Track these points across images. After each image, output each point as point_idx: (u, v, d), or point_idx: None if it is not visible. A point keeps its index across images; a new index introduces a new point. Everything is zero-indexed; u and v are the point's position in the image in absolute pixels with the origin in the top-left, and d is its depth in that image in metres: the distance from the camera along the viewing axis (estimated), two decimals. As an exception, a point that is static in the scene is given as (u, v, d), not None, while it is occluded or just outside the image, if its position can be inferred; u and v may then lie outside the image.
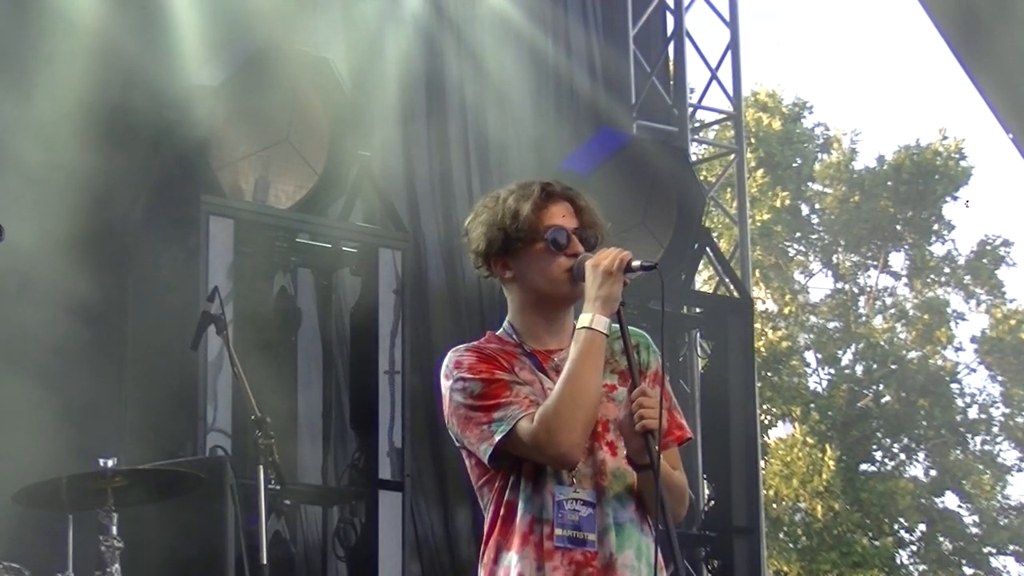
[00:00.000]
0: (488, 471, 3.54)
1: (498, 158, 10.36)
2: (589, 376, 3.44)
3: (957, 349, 25.29)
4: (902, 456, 25.10)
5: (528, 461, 3.50)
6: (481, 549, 3.58)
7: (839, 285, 25.90)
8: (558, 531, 3.47)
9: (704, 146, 14.97)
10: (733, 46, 11.75)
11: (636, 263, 3.49)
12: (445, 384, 3.57)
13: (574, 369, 3.43)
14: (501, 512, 3.54)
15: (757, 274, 23.59)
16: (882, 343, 24.76)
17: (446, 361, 3.59)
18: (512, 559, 3.50)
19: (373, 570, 8.28)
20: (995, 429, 25.19)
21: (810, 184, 25.62)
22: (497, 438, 3.46)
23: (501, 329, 3.66)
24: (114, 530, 5.77)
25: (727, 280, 11.10)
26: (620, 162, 10.14)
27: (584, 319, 3.47)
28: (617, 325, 3.51)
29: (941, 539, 24.56)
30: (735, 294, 11.00)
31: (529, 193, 3.60)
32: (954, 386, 24.96)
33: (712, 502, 10.55)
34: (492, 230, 3.60)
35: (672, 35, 11.73)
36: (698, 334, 11.01)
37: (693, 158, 12.46)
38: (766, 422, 23.37)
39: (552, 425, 3.41)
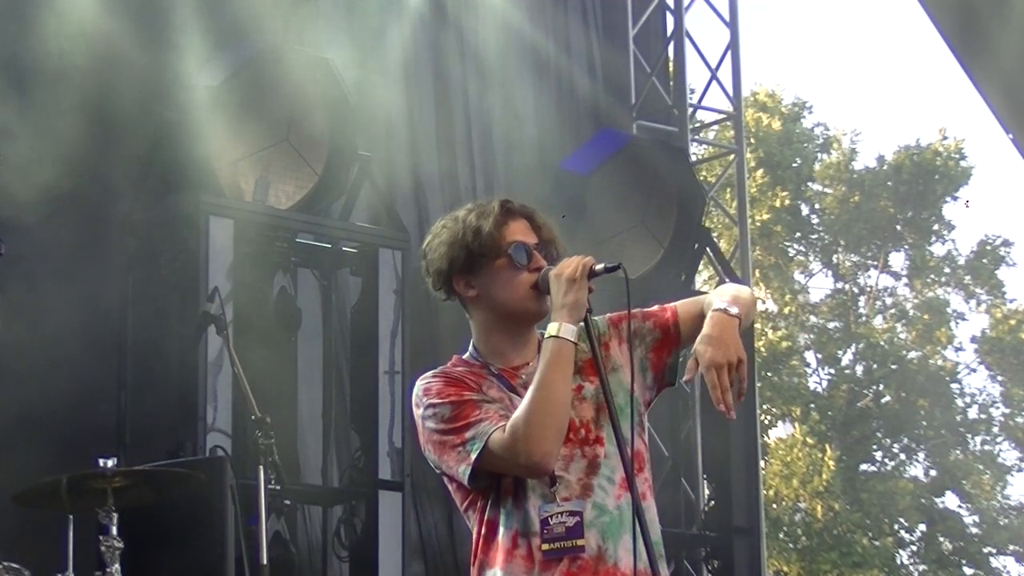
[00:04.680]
0: (470, 493, 3.55)
1: (502, 158, 10.36)
2: (559, 385, 3.44)
3: (957, 349, 25.31)
4: (902, 456, 25.10)
5: (506, 476, 3.49)
6: (469, 569, 3.58)
7: (839, 285, 25.90)
8: (545, 546, 3.46)
9: (704, 146, 14.96)
10: (733, 46, 11.75)
11: (599, 267, 3.50)
12: (417, 413, 3.57)
13: (543, 378, 3.43)
14: (483, 531, 3.54)
15: (757, 274, 23.58)
16: (882, 343, 24.76)
17: (415, 390, 3.59)
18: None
19: (373, 570, 8.28)
20: (995, 429, 25.19)
21: (810, 184, 25.62)
22: (473, 456, 3.45)
23: (467, 353, 3.66)
24: (114, 530, 5.77)
25: (727, 280, 11.10)
26: (620, 162, 10.14)
27: (552, 328, 3.47)
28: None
29: (941, 539, 24.56)
30: (735, 294, 10.98)
31: (489, 211, 3.60)
32: (954, 386, 24.96)
33: (712, 502, 10.55)
34: (454, 248, 3.59)
35: (672, 35, 11.73)
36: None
37: (693, 158, 12.46)
38: (766, 422, 23.38)
39: (523, 435, 3.40)
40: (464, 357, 3.65)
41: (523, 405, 3.43)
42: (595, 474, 3.51)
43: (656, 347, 3.63)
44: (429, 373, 3.60)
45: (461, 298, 3.64)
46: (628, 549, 3.47)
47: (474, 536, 3.57)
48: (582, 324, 3.50)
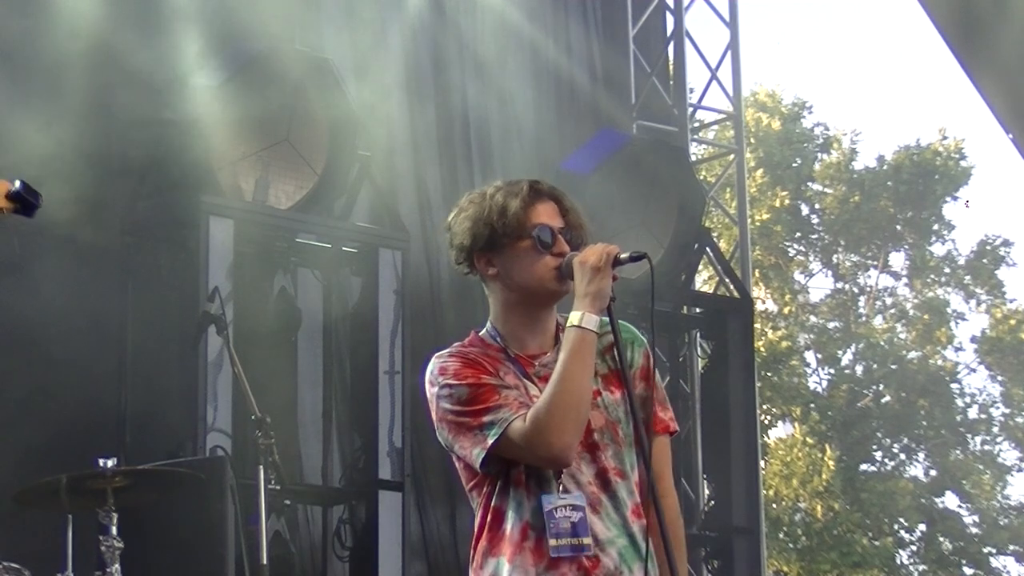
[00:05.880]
0: (477, 475, 3.52)
1: (501, 158, 10.36)
2: (580, 376, 3.41)
3: (957, 349, 25.31)
4: (902, 456, 25.10)
5: (517, 466, 3.47)
6: (470, 554, 3.56)
7: (839, 285, 25.90)
8: (553, 541, 3.43)
9: (704, 146, 14.97)
10: (733, 46, 11.75)
11: (624, 255, 3.47)
12: (431, 391, 3.54)
13: (565, 369, 3.40)
14: (488, 518, 3.51)
15: (757, 274, 23.58)
16: (882, 343, 24.76)
17: (430, 367, 3.55)
18: (503, 568, 3.47)
19: (373, 570, 8.29)
20: (995, 429, 25.19)
21: (810, 184, 25.62)
22: (490, 442, 3.42)
23: (484, 331, 3.62)
24: (114, 530, 5.77)
25: (727, 280, 11.11)
26: (620, 162, 10.14)
27: (574, 317, 3.43)
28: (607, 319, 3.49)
29: (941, 539, 24.56)
30: (735, 294, 11.00)
31: (517, 190, 3.57)
32: (954, 386, 24.96)
33: (712, 502, 10.55)
34: (478, 225, 3.56)
35: (672, 35, 11.73)
36: (698, 334, 11.01)
37: (693, 158, 12.46)
38: (766, 422, 23.36)
39: (544, 426, 3.37)
40: (481, 334, 3.61)
41: (545, 395, 3.40)
42: (606, 489, 3.49)
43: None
44: (445, 352, 3.56)
45: (482, 275, 3.60)
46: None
47: (478, 521, 3.54)
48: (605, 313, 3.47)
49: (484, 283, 3.62)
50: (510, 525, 3.48)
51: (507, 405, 3.44)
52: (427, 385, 3.55)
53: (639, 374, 3.61)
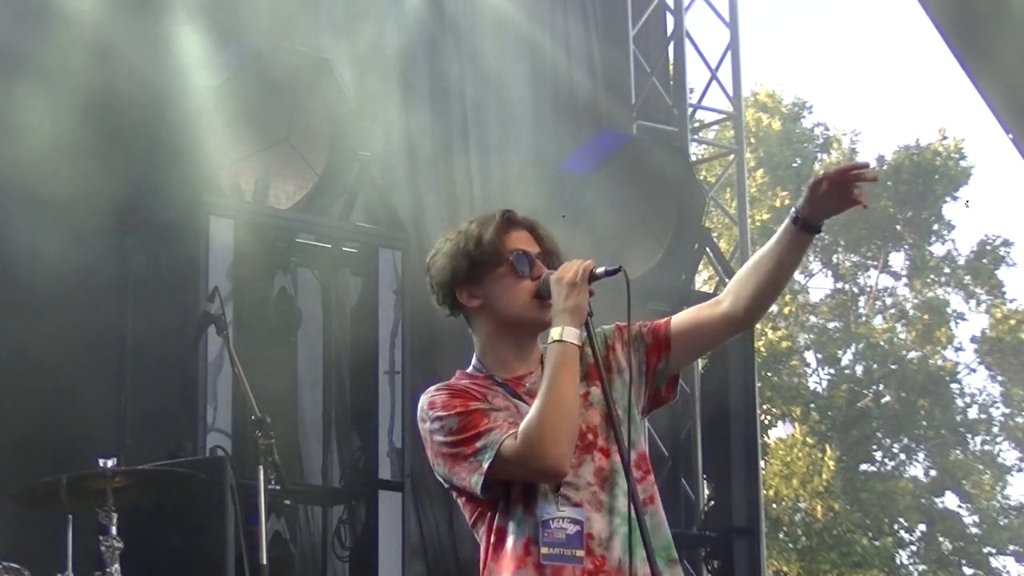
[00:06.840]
0: (480, 505, 3.53)
1: (499, 159, 10.36)
2: (567, 388, 3.43)
3: (957, 349, 25.32)
4: (902, 456, 25.11)
5: (517, 485, 3.48)
6: (471, 570, 3.56)
7: (839, 285, 25.91)
8: (545, 550, 3.44)
9: (704, 146, 14.97)
10: (733, 46, 11.75)
11: (600, 270, 3.50)
12: (423, 427, 3.56)
13: (551, 383, 3.42)
14: (492, 539, 3.52)
15: (757, 274, 23.52)
16: (882, 343, 24.77)
17: (420, 404, 3.58)
18: None
19: (373, 570, 8.28)
20: (995, 429, 25.20)
21: (810, 184, 25.61)
22: (486, 466, 3.43)
23: (470, 367, 3.65)
24: (114, 530, 5.77)
25: (727, 280, 11.10)
26: (620, 162, 10.14)
27: (554, 332, 3.47)
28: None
29: (941, 539, 24.58)
30: (735, 294, 10.98)
31: (491, 220, 3.62)
32: (954, 386, 24.97)
33: (712, 502, 10.55)
34: (456, 258, 3.61)
35: (672, 35, 11.74)
36: (698, 334, 10.99)
37: (693, 158, 12.46)
38: (766, 422, 23.37)
39: (536, 439, 3.39)
40: (468, 371, 3.64)
41: (533, 410, 3.42)
42: (607, 483, 3.50)
43: (648, 351, 3.64)
44: (433, 388, 3.59)
45: (465, 310, 3.64)
46: (643, 559, 3.45)
47: (483, 547, 3.54)
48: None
49: (468, 320, 3.67)
50: (512, 541, 3.49)
51: (497, 427, 3.45)
52: (419, 423, 3.58)
53: (617, 333, 3.64)
